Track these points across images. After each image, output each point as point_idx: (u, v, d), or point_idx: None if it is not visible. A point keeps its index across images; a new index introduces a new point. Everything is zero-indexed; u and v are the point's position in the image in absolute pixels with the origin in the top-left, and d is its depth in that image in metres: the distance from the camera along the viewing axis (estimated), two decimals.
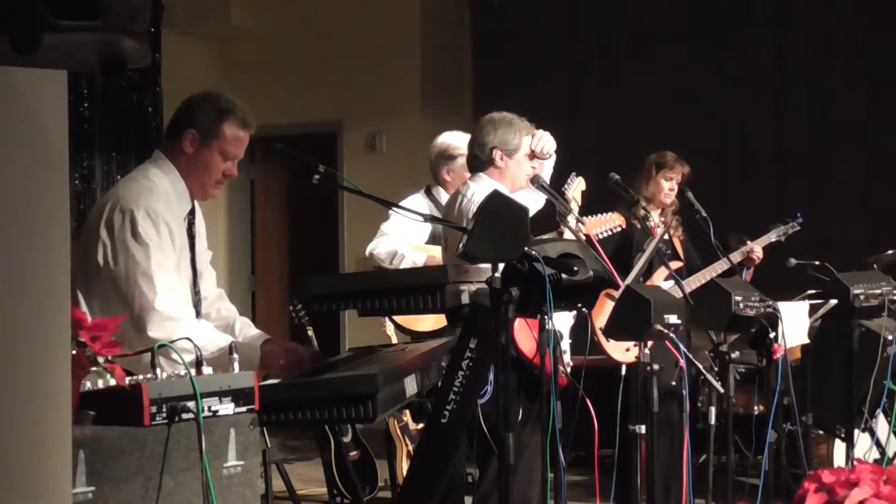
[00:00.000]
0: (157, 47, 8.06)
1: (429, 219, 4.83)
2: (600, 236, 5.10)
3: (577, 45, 8.69)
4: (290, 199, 9.92)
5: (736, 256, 5.88)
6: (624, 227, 5.48)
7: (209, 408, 2.51)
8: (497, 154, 4.65)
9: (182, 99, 3.72)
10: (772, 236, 6.13)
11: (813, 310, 4.94)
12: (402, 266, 5.38)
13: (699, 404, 6.11)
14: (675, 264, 5.66)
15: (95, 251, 3.46)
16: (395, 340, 5.63)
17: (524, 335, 4.36)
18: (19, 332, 2.03)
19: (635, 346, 4.49)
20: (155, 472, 2.41)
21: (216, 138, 3.59)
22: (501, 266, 3.20)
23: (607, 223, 5.27)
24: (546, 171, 4.81)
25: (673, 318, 4.12)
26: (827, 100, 7.80)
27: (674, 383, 5.05)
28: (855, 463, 4.89)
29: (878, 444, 5.60)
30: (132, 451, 2.37)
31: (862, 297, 4.94)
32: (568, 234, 4.56)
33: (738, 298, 4.42)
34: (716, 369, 4.73)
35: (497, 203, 3.27)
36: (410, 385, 3.29)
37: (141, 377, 2.53)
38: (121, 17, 1.85)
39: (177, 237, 3.56)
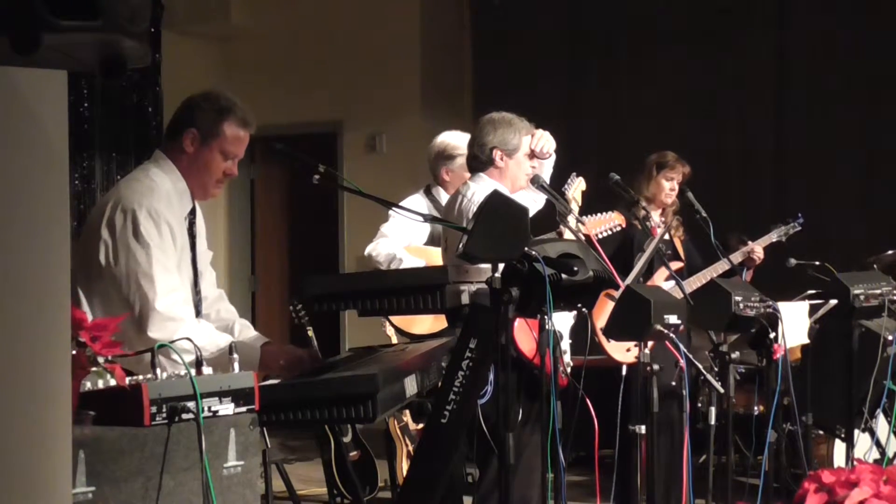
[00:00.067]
0: (157, 47, 8.05)
1: (429, 219, 4.83)
2: (600, 236, 5.09)
3: (577, 45, 8.69)
4: (290, 199, 9.92)
5: (737, 257, 5.88)
6: (624, 226, 5.48)
7: (209, 408, 2.51)
8: (497, 154, 4.65)
9: (182, 99, 3.73)
10: (773, 236, 6.13)
11: (813, 310, 4.94)
12: None
13: (699, 404, 6.11)
14: (675, 264, 5.65)
15: (97, 251, 3.46)
16: (395, 341, 5.63)
17: (524, 335, 4.36)
18: (19, 332, 2.03)
19: (636, 346, 4.49)
20: (155, 473, 2.41)
21: (216, 138, 3.59)
22: (501, 266, 3.20)
23: (607, 223, 5.27)
24: (546, 171, 4.81)
25: (673, 319, 4.12)
26: (827, 100, 7.80)
27: (674, 383, 5.05)
28: (855, 463, 4.89)
29: (878, 444, 5.60)
30: (132, 451, 2.37)
31: (862, 297, 4.94)
32: (568, 235, 4.56)
33: (739, 299, 4.42)
34: (716, 369, 4.73)
35: (497, 203, 3.27)
36: (410, 385, 3.29)
37: (141, 377, 2.53)
38: (121, 17, 1.85)
39: (178, 237, 3.56)
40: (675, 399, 5.07)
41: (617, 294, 4.41)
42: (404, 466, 5.96)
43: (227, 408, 2.56)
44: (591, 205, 5.17)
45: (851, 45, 7.73)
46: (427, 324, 5.36)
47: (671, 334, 4.10)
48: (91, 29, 1.83)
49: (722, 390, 4.50)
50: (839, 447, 5.87)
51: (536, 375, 3.88)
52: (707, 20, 8.16)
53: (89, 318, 2.62)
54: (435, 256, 5.26)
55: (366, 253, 5.59)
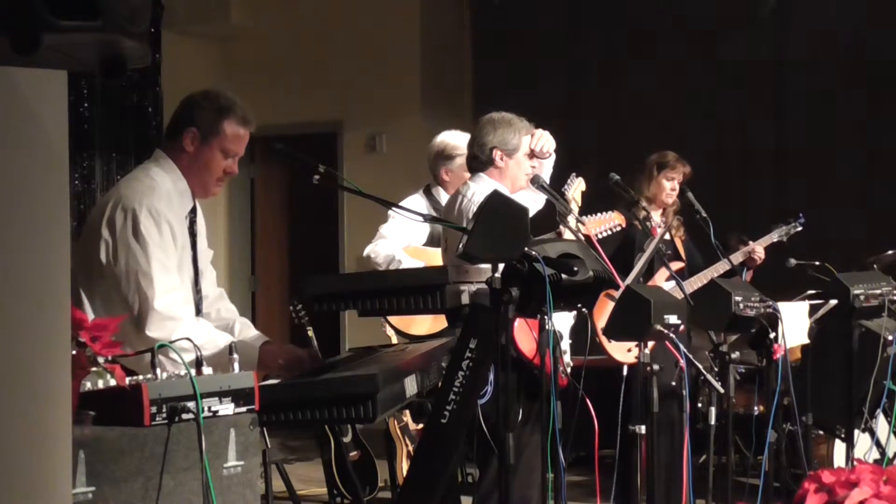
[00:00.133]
0: (157, 47, 8.04)
1: (429, 219, 4.83)
2: (600, 236, 5.09)
3: (577, 45, 8.69)
4: (290, 199, 9.92)
5: (738, 257, 5.88)
6: (624, 226, 5.48)
7: (209, 408, 2.51)
8: (497, 154, 4.65)
9: (182, 99, 3.73)
10: (774, 236, 6.13)
11: (813, 310, 4.93)
12: None
13: (699, 404, 6.11)
14: (676, 264, 5.65)
15: (97, 250, 3.46)
16: (395, 341, 5.63)
17: (524, 335, 4.36)
18: (19, 332, 2.03)
19: (636, 346, 4.49)
20: (155, 473, 2.41)
21: (217, 136, 3.59)
22: (501, 266, 3.20)
23: (607, 223, 5.27)
24: (546, 170, 4.81)
25: (673, 319, 4.12)
26: (827, 100, 7.80)
27: (674, 383, 5.05)
28: (855, 463, 4.89)
29: (878, 444, 5.60)
30: (132, 451, 2.37)
31: (862, 297, 4.94)
32: (567, 235, 4.56)
33: (739, 299, 4.42)
34: (716, 369, 4.73)
35: (497, 203, 3.27)
36: (410, 385, 3.29)
37: (141, 377, 2.53)
38: (121, 17, 1.85)
39: (178, 236, 3.56)
40: (675, 399, 5.07)
41: (617, 294, 4.41)
42: (404, 466, 5.96)
43: (227, 408, 2.56)
44: (591, 205, 5.17)
45: (851, 45, 7.72)
46: (426, 325, 5.36)
47: (671, 334, 4.10)
48: (91, 29, 1.83)
49: (722, 390, 4.50)
50: (839, 447, 5.86)
51: (536, 375, 3.88)
52: (707, 20, 8.15)
53: (90, 318, 2.61)
54: (434, 257, 5.25)
55: (364, 254, 5.58)
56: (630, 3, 8.45)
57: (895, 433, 5.42)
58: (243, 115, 3.63)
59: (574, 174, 4.98)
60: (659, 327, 4.07)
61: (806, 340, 4.94)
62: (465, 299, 3.35)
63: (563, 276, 3.23)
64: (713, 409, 4.72)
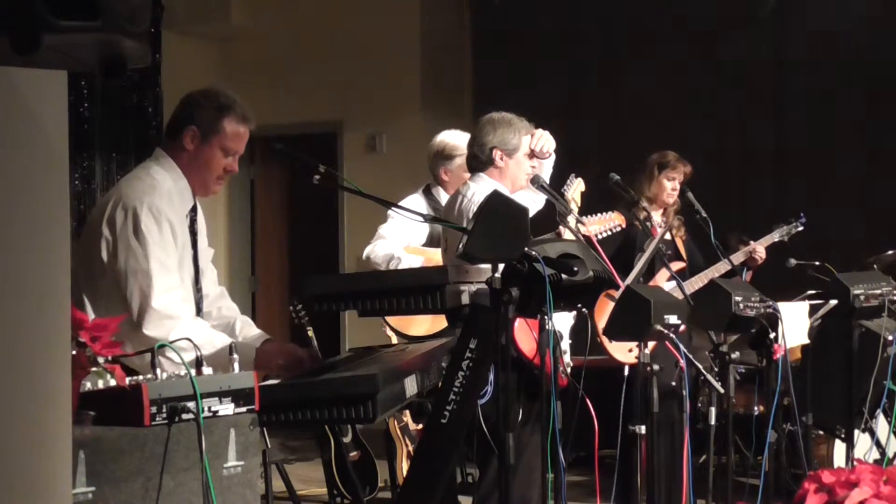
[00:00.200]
0: (157, 47, 8.05)
1: (429, 219, 4.83)
2: (600, 236, 5.09)
3: (577, 45, 8.69)
4: (290, 199, 9.92)
5: (739, 257, 5.88)
6: (624, 226, 5.48)
7: (209, 408, 2.51)
8: (497, 154, 4.65)
9: (182, 98, 3.73)
10: (775, 236, 6.13)
11: (813, 310, 4.93)
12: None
13: (699, 405, 6.11)
14: (677, 264, 5.65)
15: (98, 249, 3.46)
16: (395, 341, 5.62)
17: (524, 335, 4.36)
18: (19, 332, 2.03)
19: (637, 346, 4.48)
20: (155, 473, 2.41)
21: (217, 134, 3.60)
22: (501, 266, 3.20)
23: (607, 223, 5.27)
24: (545, 170, 4.81)
25: (673, 319, 4.12)
26: (827, 100, 7.80)
27: (674, 384, 5.05)
28: (855, 463, 4.88)
29: (878, 444, 5.60)
30: (132, 451, 2.37)
31: (862, 297, 4.94)
32: (567, 235, 4.55)
33: (739, 299, 4.42)
34: (716, 370, 4.73)
35: (497, 203, 3.27)
36: (410, 385, 3.29)
37: (141, 377, 2.53)
38: (121, 17, 1.85)
39: (179, 235, 3.56)
40: (675, 399, 5.07)
41: (617, 294, 4.41)
42: (404, 466, 5.96)
43: (227, 408, 2.56)
44: (591, 205, 5.17)
45: (851, 45, 7.72)
46: (425, 325, 5.36)
47: (671, 334, 4.10)
48: (91, 29, 1.83)
49: (722, 390, 4.50)
50: (839, 447, 5.86)
51: (536, 375, 3.88)
52: (707, 20, 8.15)
53: (91, 317, 2.61)
54: (433, 255, 5.26)
55: (364, 256, 5.58)
56: (630, 3, 8.45)
57: (895, 433, 5.41)
58: (243, 114, 3.63)
59: (573, 175, 4.98)
60: (659, 327, 4.07)
61: (806, 340, 4.94)
62: (465, 299, 3.35)
63: (563, 276, 3.23)
64: (713, 409, 4.72)
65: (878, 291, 4.98)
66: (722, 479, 4.74)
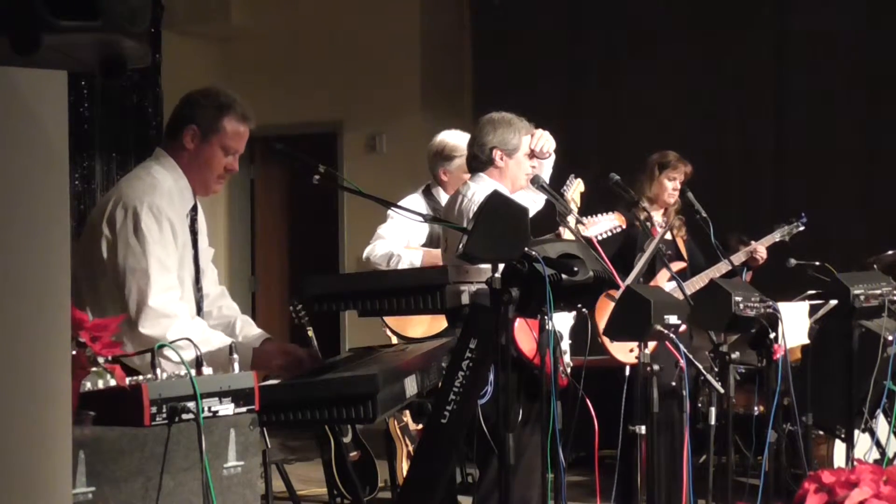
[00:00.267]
0: (157, 47, 8.05)
1: (429, 219, 4.84)
2: (600, 237, 5.09)
3: (577, 45, 8.69)
4: (290, 200, 9.92)
5: (740, 257, 5.88)
6: (624, 227, 5.48)
7: (209, 408, 2.51)
8: (497, 154, 4.65)
9: (182, 97, 3.73)
10: (776, 236, 6.13)
11: (813, 310, 4.93)
12: (400, 266, 5.37)
13: (699, 405, 6.11)
14: (678, 264, 5.65)
15: (99, 248, 3.46)
16: (394, 341, 5.62)
17: (524, 335, 4.36)
18: (19, 332, 2.03)
19: (637, 346, 4.49)
20: (155, 473, 2.41)
21: (217, 133, 3.60)
22: (501, 266, 3.20)
23: (606, 224, 5.27)
24: (545, 170, 4.81)
25: (673, 319, 4.12)
26: (827, 100, 7.80)
27: (674, 384, 5.05)
28: (855, 463, 4.88)
29: (878, 444, 5.60)
30: (132, 451, 2.37)
31: (862, 297, 4.93)
32: (567, 235, 4.55)
33: (739, 299, 4.41)
34: (716, 370, 4.73)
35: (497, 203, 3.27)
36: (410, 385, 3.29)
37: (141, 377, 2.53)
38: (121, 17, 1.85)
39: (179, 234, 3.56)
40: (675, 399, 5.07)
41: (617, 294, 4.41)
42: (404, 466, 5.96)
43: (227, 408, 2.56)
44: (591, 205, 5.17)
45: (851, 45, 7.72)
46: (423, 327, 5.36)
47: (671, 334, 4.10)
48: (91, 29, 1.83)
49: (722, 390, 4.50)
50: (839, 447, 5.86)
51: (536, 375, 3.88)
52: (707, 20, 8.15)
53: (92, 317, 2.61)
54: (433, 250, 5.27)
55: (363, 257, 5.57)
56: (630, 3, 8.45)
57: (895, 433, 5.41)
58: (243, 112, 3.63)
59: (573, 175, 4.98)
60: (659, 327, 4.07)
61: (806, 340, 4.94)
62: (465, 299, 3.35)
63: (563, 276, 3.23)
64: (713, 410, 4.72)
65: (878, 291, 4.98)
66: (722, 479, 4.74)
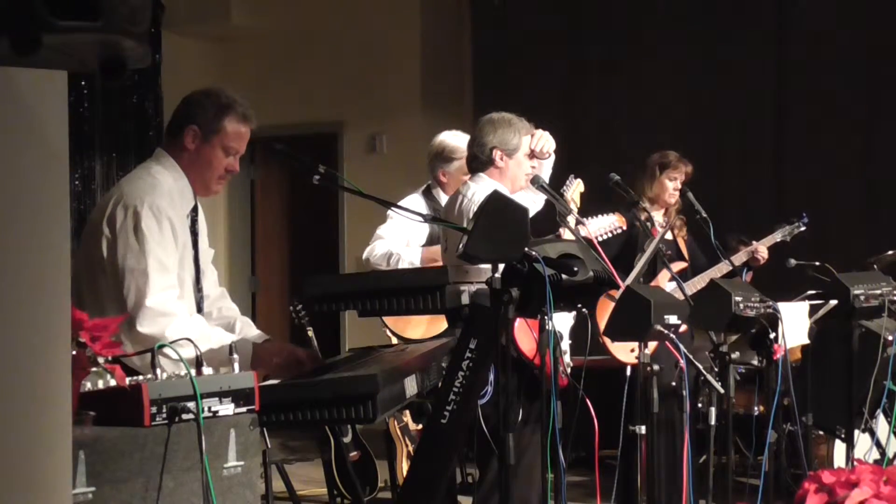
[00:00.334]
0: (157, 47, 8.06)
1: (429, 219, 4.83)
2: (600, 238, 5.09)
3: (577, 45, 8.69)
4: (290, 200, 9.92)
5: (741, 257, 5.88)
6: (624, 228, 5.48)
7: (209, 408, 2.51)
8: (497, 154, 4.65)
9: (182, 97, 3.73)
10: (777, 236, 6.13)
11: (813, 310, 4.93)
12: (400, 265, 5.38)
13: (699, 405, 6.11)
14: (679, 265, 5.65)
15: (99, 248, 3.46)
16: (394, 341, 5.63)
17: (524, 335, 4.36)
18: (19, 332, 2.03)
19: (638, 346, 4.48)
20: (155, 473, 2.41)
21: (217, 133, 3.60)
22: (501, 266, 3.20)
23: (607, 224, 5.26)
24: (546, 171, 4.81)
25: (673, 319, 4.12)
26: (827, 100, 7.80)
27: (674, 384, 5.05)
28: (855, 463, 4.88)
29: (878, 444, 5.59)
30: (132, 451, 2.37)
31: (862, 297, 4.93)
32: (567, 235, 4.55)
33: (739, 299, 4.41)
34: (716, 370, 4.73)
35: (497, 203, 3.27)
36: (410, 386, 3.29)
37: (141, 377, 2.53)
38: (121, 17, 1.85)
39: (180, 234, 3.56)
40: (675, 399, 5.07)
41: (618, 295, 4.41)
42: (404, 466, 5.96)
43: (227, 408, 2.56)
44: (591, 205, 5.17)
45: (851, 45, 7.72)
46: (422, 328, 5.36)
47: (671, 335, 4.10)
48: (91, 29, 1.83)
49: (722, 391, 4.50)
50: (839, 447, 5.86)
51: (536, 376, 3.88)
52: (707, 20, 8.15)
53: (92, 317, 2.61)
54: (432, 248, 5.27)
55: (363, 257, 5.58)
56: (630, 3, 8.45)
57: (895, 433, 5.41)
58: (244, 113, 3.63)
59: (572, 175, 4.98)
60: (659, 328, 4.07)
61: (806, 341, 4.94)
62: (465, 299, 3.35)
63: (564, 276, 3.23)
64: (713, 410, 4.72)
65: (878, 291, 4.98)
66: (722, 480, 4.74)
